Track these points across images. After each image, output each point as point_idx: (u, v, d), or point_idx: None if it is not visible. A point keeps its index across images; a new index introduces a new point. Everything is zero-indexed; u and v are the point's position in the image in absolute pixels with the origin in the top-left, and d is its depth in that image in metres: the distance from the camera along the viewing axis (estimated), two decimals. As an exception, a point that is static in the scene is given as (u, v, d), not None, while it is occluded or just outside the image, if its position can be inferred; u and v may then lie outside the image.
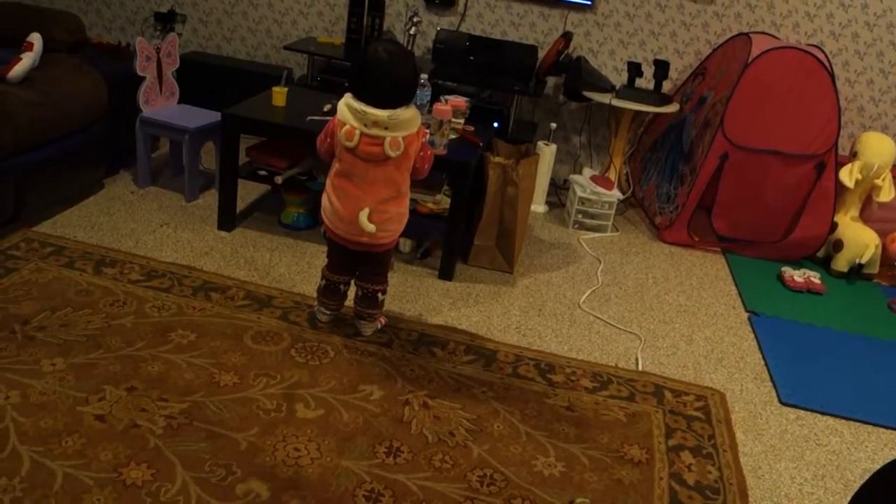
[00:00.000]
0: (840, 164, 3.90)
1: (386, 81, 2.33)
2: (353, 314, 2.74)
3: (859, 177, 3.91)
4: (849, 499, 1.49)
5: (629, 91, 4.13)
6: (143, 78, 3.50)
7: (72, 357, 2.34)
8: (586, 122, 4.67)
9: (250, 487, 1.95)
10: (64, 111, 3.20)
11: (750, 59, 3.77)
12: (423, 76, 3.18)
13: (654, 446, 2.38)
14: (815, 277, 3.73)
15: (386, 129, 2.34)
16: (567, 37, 4.19)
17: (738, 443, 2.47)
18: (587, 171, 4.20)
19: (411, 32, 4.29)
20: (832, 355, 3.13)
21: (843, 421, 2.70)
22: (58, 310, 2.57)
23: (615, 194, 4.03)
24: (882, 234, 3.91)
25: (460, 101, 3.38)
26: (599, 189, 4.01)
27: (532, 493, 2.09)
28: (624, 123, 4.32)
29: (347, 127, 2.35)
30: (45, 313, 2.54)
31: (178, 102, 3.76)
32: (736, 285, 3.66)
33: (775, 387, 2.83)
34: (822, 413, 2.72)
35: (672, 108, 4.19)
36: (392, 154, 2.37)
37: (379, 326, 2.77)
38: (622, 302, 3.33)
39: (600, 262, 3.69)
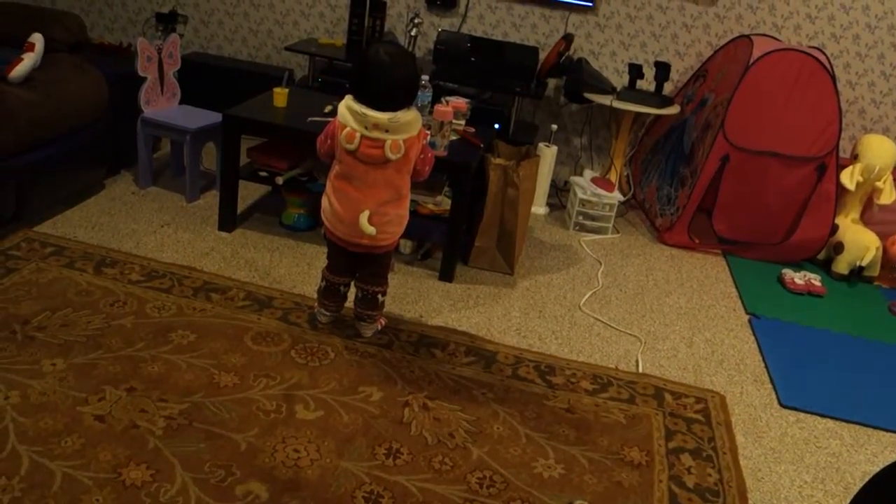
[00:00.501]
0: (841, 167, 3.90)
1: (386, 84, 2.32)
2: (353, 315, 2.74)
3: (860, 179, 3.91)
4: (848, 501, 1.49)
5: (630, 93, 4.13)
6: (145, 78, 3.50)
7: (72, 357, 2.34)
8: (587, 123, 4.67)
9: (250, 489, 1.95)
10: (65, 111, 3.21)
11: (751, 61, 3.77)
12: (424, 77, 3.17)
13: (653, 449, 2.38)
14: (815, 280, 3.73)
15: (386, 131, 2.34)
16: (568, 38, 4.19)
17: (737, 445, 2.47)
18: (588, 173, 4.20)
19: (412, 34, 4.30)
20: (832, 358, 3.13)
21: (843, 424, 2.69)
22: (58, 310, 2.57)
23: (616, 196, 4.03)
24: (883, 236, 3.91)
25: (461, 102, 3.38)
26: (600, 191, 4.01)
27: (531, 495, 2.09)
28: (625, 125, 4.32)
29: (348, 129, 2.35)
30: (46, 313, 2.54)
31: (180, 103, 3.76)
32: (736, 287, 3.66)
33: (775, 389, 2.83)
34: (822, 416, 2.72)
35: (673, 109, 4.19)
36: (392, 157, 2.37)
37: (379, 328, 2.77)
38: (622, 304, 3.33)
39: (601, 263, 3.69)
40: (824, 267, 4.02)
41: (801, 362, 3.05)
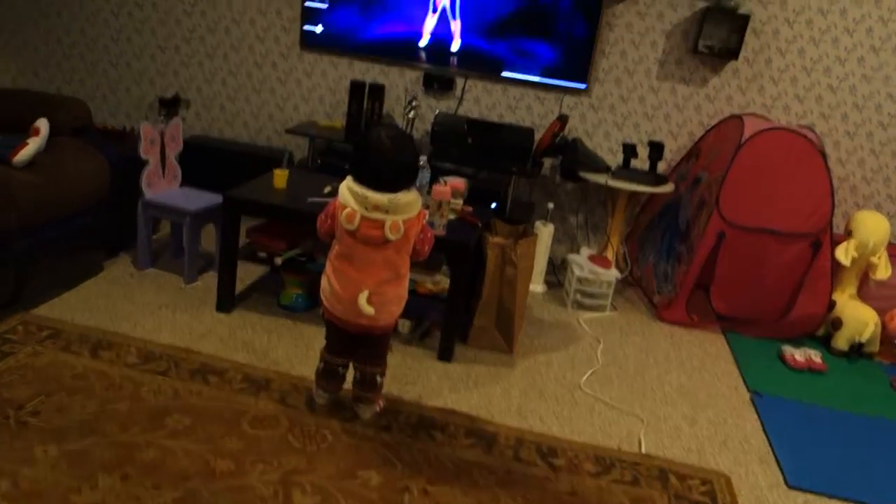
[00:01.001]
0: (835, 243, 3.93)
1: (387, 167, 2.36)
2: (352, 397, 2.71)
3: (855, 255, 3.93)
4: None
5: (625, 172, 4.19)
6: (147, 161, 3.55)
7: (65, 443, 2.30)
8: (583, 202, 4.72)
9: (245, 580, 1.89)
10: (68, 194, 3.24)
11: (743, 140, 3.84)
12: (423, 158, 3.22)
13: (659, 533, 2.33)
14: (815, 356, 3.71)
15: (386, 212, 2.36)
16: (563, 119, 4.27)
17: (745, 529, 2.41)
18: (585, 251, 4.23)
19: (410, 116, 4.39)
20: (837, 436, 3.09)
21: (852, 505, 2.64)
22: (52, 394, 2.54)
23: (613, 274, 4.05)
24: (881, 311, 3.91)
25: (459, 182, 3.42)
26: (597, 268, 4.02)
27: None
28: (620, 203, 4.37)
29: (348, 210, 2.37)
30: (40, 398, 2.51)
31: (181, 185, 3.81)
32: (737, 365, 3.64)
33: (781, 469, 2.78)
34: (830, 496, 2.66)
35: (667, 188, 4.25)
36: (392, 237, 2.38)
37: (378, 410, 2.73)
38: (623, 383, 3.30)
39: (600, 342, 3.68)
40: (824, 343, 4.00)
41: (806, 441, 3.00)
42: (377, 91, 4.47)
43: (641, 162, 4.40)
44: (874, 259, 3.95)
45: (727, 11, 4.19)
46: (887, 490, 2.74)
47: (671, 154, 4.54)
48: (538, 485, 2.46)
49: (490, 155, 4.27)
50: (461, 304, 3.22)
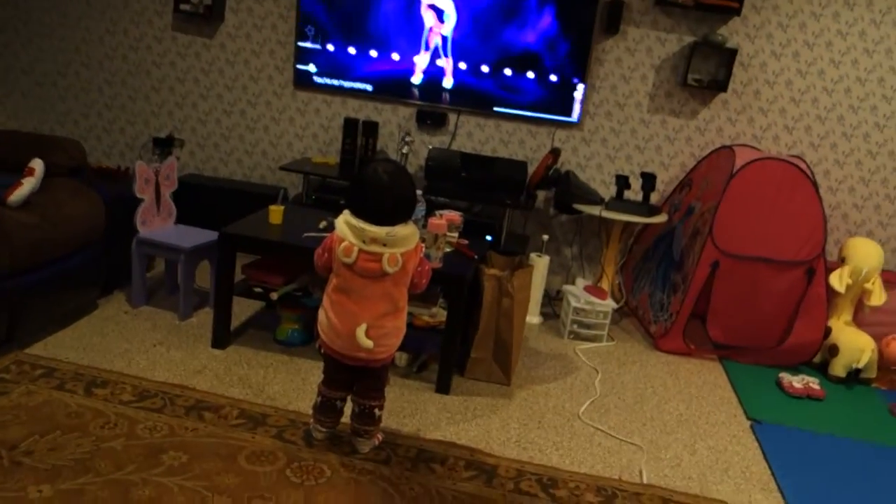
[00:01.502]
0: (829, 270, 3.95)
1: (385, 201, 2.37)
2: (350, 431, 2.68)
3: (849, 281, 3.95)
4: None
5: (618, 203, 4.22)
6: (141, 200, 3.56)
7: (59, 483, 2.26)
8: (577, 233, 4.74)
9: None
10: (62, 234, 3.24)
11: (734, 171, 3.88)
12: (418, 192, 3.24)
13: (663, 563, 2.29)
14: (813, 383, 3.71)
15: (384, 245, 2.37)
16: (555, 152, 4.31)
17: (750, 558, 2.38)
18: (580, 282, 4.24)
19: (404, 151, 4.42)
20: (838, 463, 3.07)
21: (857, 532, 2.62)
22: (46, 433, 2.51)
23: (609, 304, 4.05)
24: (876, 337, 3.92)
25: (454, 215, 3.44)
26: (593, 299, 4.03)
27: None
28: (614, 234, 4.39)
29: (346, 243, 2.38)
30: (34, 437, 2.48)
31: (176, 223, 3.81)
32: (735, 393, 3.62)
33: (784, 498, 2.75)
34: (835, 524, 2.64)
35: (661, 218, 4.27)
36: (390, 270, 2.39)
37: (376, 443, 2.71)
38: (622, 412, 3.28)
39: (598, 372, 3.66)
40: (821, 370, 4.00)
41: (807, 469, 2.98)
42: (371, 128, 4.51)
43: (634, 193, 4.44)
44: (868, 285, 3.97)
45: (715, 46, 4.27)
46: (891, 516, 2.72)
47: (664, 185, 4.58)
48: (540, 516, 2.43)
49: (484, 188, 4.29)
50: (458, 336, 3.21)
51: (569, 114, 4.47)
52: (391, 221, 2.39)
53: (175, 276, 3.79)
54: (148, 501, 2.24)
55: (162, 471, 2.39)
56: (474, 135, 4.66)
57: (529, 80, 4.44)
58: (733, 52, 4.25)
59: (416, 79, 4.54)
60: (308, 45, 4.59)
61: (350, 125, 4.51)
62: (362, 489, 2.45)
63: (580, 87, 4.42)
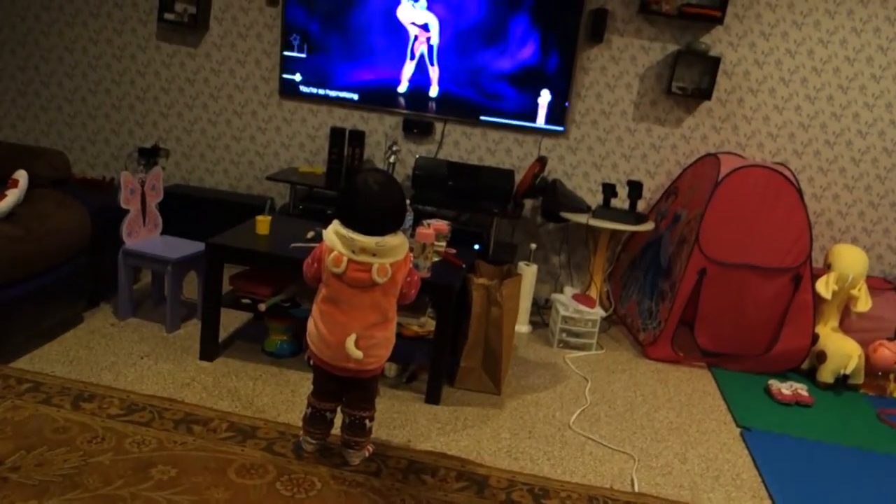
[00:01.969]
0: (815, 276, 3.98)
1: (375, 211, 2.37)
2: (340, 443, 2.67)
3: (835, 288, 3.98)
4: None
5: (605, 211, 4.23)
6: (127, 211, 3.53)
7: (47, 499, 2.23)
8: (565, 241, 4.75)
9: None
10: (47, 246, 3.20)
11: (720, 178, 3.90)
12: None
13: (657, 572, 2.29)
14: (802, 390, 3.72)
15: (374, 255, 2.36)
16: (542, 161, 4.32)
17: (743, 565, 2.38)
18: (568, 290, 4.24)
19: (391, 161, 4.42)
20: (829, 470, 3.08)
21: (848, 538, 2.62)
22: (33, 448, 2.48)
23: (598, 312, 4.05)
24: (863, 343, 3.94)
25: (442, 224, 3.43)
26: (582, 307, 4.03)
27: None
28: (602, 242, 4.40)
29: (335, 253, 2.37)
30: (21, 453, 2.45)
31: (162, 234, 3.79)
32: (725, 400, 3.63)
33: (775, 504, 2.77)
34: (825, 530, 2.65)
35: (648, 226, 4.29)
36: (379, 280, 2.38)
37: (367, 455, 2.69)
38: (612, 421, 3.28)
39: (587, 380, 3.67)
40: (809, 376, 4.02)
41: (798, 476, 2.99)
42: (357, 137, 4.50)
43: (621, 201, 4.46)
44: (854, 292, 4.00)
45: (698, 54, 4.30)
46: (881, 521, 2.74)
47: (650, 193, 4.60)
48: (532, 527, 2.43)
49: (471, 197, 4.30)
50: (447, 345, 3.21)
51: (559, 122, 4.48)
52: (381, 231, 2.38)
53: (162, 288, 3.76)
54: (137, 517, 2.21)
55: (151, 485, 2.37)
56: (461, 144, 4.67)
57: (515, 88, 4.44)
58: (717, 61, 4.28)
59: (402, 88, 4.54)
60: (294, 54, 4.58)
61: (337, 134, 4.50)
62: (353, 501, 2.43)
63: (545, 92, 4.43)
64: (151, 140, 4.91)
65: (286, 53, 4.59)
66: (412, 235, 3.13)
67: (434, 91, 4.52)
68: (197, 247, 3.61)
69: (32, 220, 3.21)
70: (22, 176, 3.28)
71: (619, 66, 4.46)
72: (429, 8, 4.39)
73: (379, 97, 4.59)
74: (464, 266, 3.32)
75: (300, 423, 2.71)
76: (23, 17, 4.82)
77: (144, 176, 3.65)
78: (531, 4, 4.32)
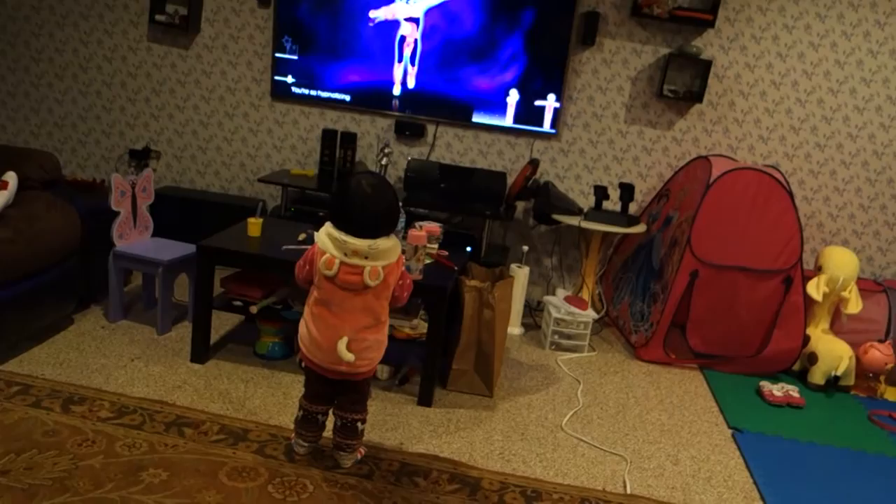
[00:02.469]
0: (806, 279, 3.99)
1: (368, 214, 2.36)
2: (332, 445, 2.66)
3: (826, 290, 3.99)
4: None
5: (597, 213, 4.23)
6: (118, 213, 3.51)
7: (36, 503, 2.22)
8: (557, 244, 4.75)
9: None
10: (37, 248, 3.18)
11: (711, 181, 3.91)
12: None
13: (649, 574, 2.29)
14: (793, 391, 3.73)
15: (366, 258, 2.36)
16: (534, 163, 4.33)
17: (735, 567, 2.38)
18: (560, 292, 4.24)
19: (383, 163, 4.41)
20: (821, 471, 3.09)
21: (839, 539, 2.63)
22: (23, 452, 2.46)
23: (590, 314, 4.06)
24: (854, 345, 3.96)
25: (434, 226, 3.43)
26: (574, 309, 4.03)
27: None
28: (594, 244, 4.41)
29: (327, 256, 2.36)
30: (10, 456, 2.43)
31: (153, 236, 3.77)
32: (716, 402, 3.64)
33: (766, 506, 2.77)
34: (817, 531, 2.65)
35: (639, 228, 4.30)
36: (371, 283, 2.38)
37: (359, 457, 2.69)
38: (605, 423, 3.28)
39: (580, 382, 3.67)
40: (800, 378, 4.03)
41: (789, 477, 3.00)
42: (349, 139, 4.49)
43: (613, 203, 4.46)
44: (845, 293, 4.01)
45: (689, 57, 4.31)
46: (872, 523, 2.74)
47: (642, 195, 4.61)
48: (525, 529, 2.42)
49: (463, 199, 4.29)
50: (439, 348, 3.20)
51: (551, 124, 4.49)
52: (374, 234, 2.38)
53: (153, 290, 3.75)
54: (127, 520, 2.20)
55: (141, 489, 2.36)
56: (453, 146, 4.67)
57: (506, 90, 4.45)
58: (708, 64, 4.30)
59: (395, 90, 4.54)
60: (286, 56, 4.57)
61: (328, 136, 4.49)
62: (346, 504, 2.43)
63: (513, 91, 4.44)
64: (142, 142, 4.89)
65: (278, 55, 4.58)
66: (404, 238, 3.13)
67: (424, 92, 4.51)
68: (188, 249, 3.59)
69: (22, 222, 3.19)
70: (12, 178, 3.26)
71: (611, 68, 4.47)
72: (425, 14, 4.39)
73: (371, 99, 4.59)
74: (456, 268, 3.31)
75: (292, 426, 2.70)
76: (13, 17, 4.80)
77: (135, 178, 3.63)
78: (525, 26, 4.33)
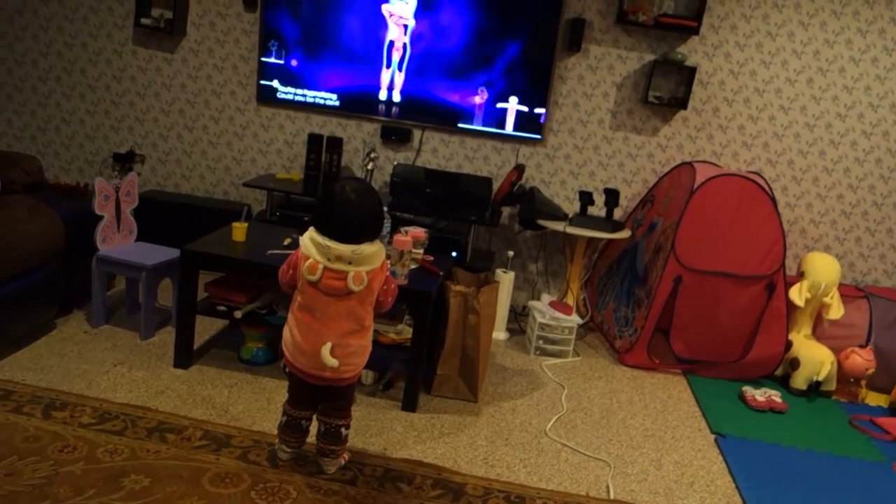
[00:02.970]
0: (789, 284, 4.02)
1: (352, 220, 2.36)
2: (316, 451, 2.65)
3: (808, 296, 4.02)
4: None
5: (582, 219, 4.25)
6: (101, 217, 3.49)
7: (16, 509, 2.20)
8: (542, 249, 4.77)
9: None
10: (19, 253, 3.16)
11: (695, 187, 3.93)
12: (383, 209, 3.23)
13: (632, 580, 2.30)
14: (776, 396, 3.76)
15: (349, 263, 2.36)
16: (520, 169, 4.34)
17: (717, 572, 2.39)
18: (545, 297, 4.25)
19: (369, 168, 4.41)
20: (802, 476, 3.11)
21: (820, 544, 2.65)
22: (3, 458, 2.44)
23: (574, 319, 4.07)
24: (836, 350, 3.99)
25: (419, 231, 3.43)
26: (558, 314, 4.04)
27: None
28: (579, 250, 4.42)
29: (311, 261, 2.36)
30: (-10, 462, 2.41)
31: (136, 240, 3.75)
32: (699, 407, 3.66)
33: (748, 510, 2.79)
34: (798, 536, 2.67)
35: (624, 234, 4.31)
36: (355, 289, 2.37)
37: (342, 463, 2.68)
38: (588, 428, 3.29)
39: (564, 387, 3.68)
40: (782, 383, 4.06)
41: (771, 482, 3.01)
42: (335, 143, 4.49)
43: (598, 209, 4.48)
44: (827, 299, 4.04)
45: (674, 64, 4.34)
46: (853, 527, 2.76)
47: (626, 201, 4.63)
48: (508, 534, 2.43)
49: (449, 204, 4.30)
50: (424, 353, 3.20)
51: (536, 130, 4.51)
52: (357, 240, 2.38)
53: (136, 295, 3.73)
54: (108, 527, 2.18)
55: (123, 495, 2.34)
56: (439, 151, 4.67)
57: (492, 95, 4.46)
58: (692, 71, 4.33)
59: (381, 94, 4.54)
60: (272, 60, 4.57)
61: (314, 141, 4.49)
62: (329, 510, 2.42)
63: (482, 89, 4.46)
64: (127, 145, 4.86)
65: (264, 59, 4.57)
66: (390, 242, 3.13)
67: (396, 96, 4.51)
68: (172, 253, 3.58)
69: (4, 226, 3.17)
70: (-6, 181, 3.24)
71: (597, 75, 4.49)
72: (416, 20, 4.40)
73: (357, 104, 4.58)
74: (441, 273, 3.31)
75: (276, 432, 2.69)
76: (-4, 20, 4.77)
77: (119, 182, 3.61)
78: (511, 33, 4.34)
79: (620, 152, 4.59)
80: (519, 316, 4.57)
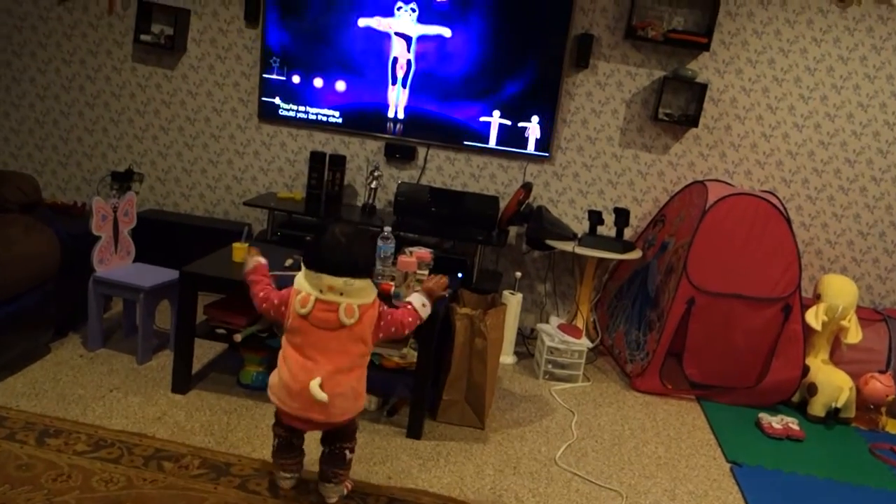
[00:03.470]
0: (805, 307, 3.91)
1: (342, 260, 2.33)
2: (318, 477, 2.55)
3: (825, 318, 3.91)
4: None
5: (592, 239, 4.16)
6: (98, 237, 3.41)
7: (2, 545, 2.10)
8: (550, 270, 4.67)
9: None
10: (14, 274, 3.08)
11: (707, 206, 3.84)
12: (387, 229, 3.15)
13: None
14: (793, 424, 3.64)
15: (341, 294, 2.32)
16: (527, 187, 4.25)
17: None
18: (554, 320, 4.15)
19: (372, 186, 4.34)
20: (823, 507, 3.00)
21: (846, 581, 2.53)
22: (-9, 489, 2.34)
23: (584, 343, 3.96)
24: (854, 375, 3.87)
25: (424, 252, 3.34)
26: (568, 338, 3.94)
27: None
28: (588, 271, 4.32)
29: (302, 294, 2.34)
30: (-24, 494, 2.31)
31: (134, 261, 3.67)
32: (714, 434, 3.54)
33: (770, 545, 2.67)
34: (823, 573, 2.55)
35: (635, 254, 4.22)
36: (346, 321, 2.31)
37: (345, 492, 2.58)
38: (600, 456, 3.18)
39: (574, 414, 3.56)
40: (799, 410, 3.94)
41: (791, 513, 2.90)
42: (338, 161, 4.41)
43: (607, 229, 4.39)
44: (844, 322, 3.94)
45: (685, 80, 4.26)
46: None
47: (637, 220, 4.54)
48: (520, 572, 2.31)
49: (455, 224, 4.21)
50: (429, 378, 3.11)
51: (544, 148, 4.43)
52: (350, 275, 2.35)
53: (133, 318, 3.64)
54: (99, 565, 2.08)
55: (115, 530, 2.24)
56: (444, 169, 4.59)
57: (499, 112, 4.39)
58: (703, 87, 4.25)
59: (389, 112, 4.47)
60: (273, 76, 4.50)
61: (317, 158, 4.41)
62: (331, 546, 2.31)
63: (504, 114, 4.38)
64: (125, 164, 4.79)
65: (266, 76, 4.51)
66: (394, 264, 3.04)
67: (401, 113, 4.44)
68: (171, 275, 3.49)
69: (-2, 246, 3.09)
70: (-12, 200, 3.16)
71: (606, 91, 4.41)
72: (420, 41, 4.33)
73: (361, 121, 4.51)
74: (447, 296, 3.21)
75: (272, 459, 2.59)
76: (-4, 36, 4.72)
77: (117, 201, 3.54)
78: (518, 49, 4.28)
79: (630, 170, 4.50)
80: (527, 339, 4.47)
